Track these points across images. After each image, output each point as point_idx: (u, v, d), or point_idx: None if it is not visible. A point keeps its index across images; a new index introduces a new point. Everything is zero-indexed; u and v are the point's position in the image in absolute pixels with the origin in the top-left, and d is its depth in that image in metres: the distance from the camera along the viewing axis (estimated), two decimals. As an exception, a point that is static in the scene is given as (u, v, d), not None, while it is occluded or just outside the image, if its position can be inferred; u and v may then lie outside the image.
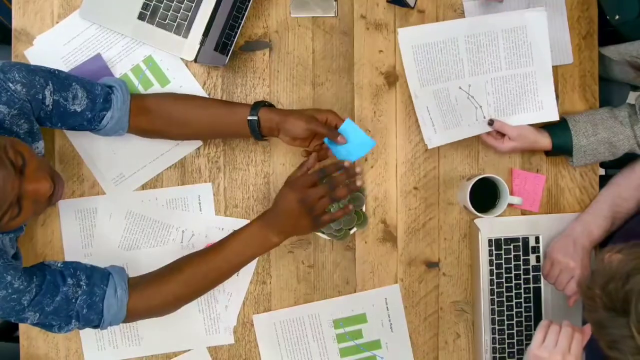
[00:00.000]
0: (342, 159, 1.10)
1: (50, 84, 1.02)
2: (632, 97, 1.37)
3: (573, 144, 1.18)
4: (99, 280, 1.03)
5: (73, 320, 1.01)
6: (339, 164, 1.04)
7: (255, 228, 1.05)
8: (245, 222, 1.21)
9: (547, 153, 1.24)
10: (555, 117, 1.21)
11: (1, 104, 0.96)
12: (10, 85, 0.97)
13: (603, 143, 1.18)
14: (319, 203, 1.02)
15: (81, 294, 1.00)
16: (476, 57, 1.20)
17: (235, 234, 1.06)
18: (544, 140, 1.19)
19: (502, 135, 1.20)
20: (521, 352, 1.22)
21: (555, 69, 1.25)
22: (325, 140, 1.10)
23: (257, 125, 1.09)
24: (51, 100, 1.02)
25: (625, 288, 0.84)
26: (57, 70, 1.06)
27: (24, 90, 0.98)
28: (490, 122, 1.20)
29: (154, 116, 1.12)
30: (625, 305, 0.84)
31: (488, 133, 1.21)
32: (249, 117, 1.09)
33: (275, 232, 1.04)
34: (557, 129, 1.20)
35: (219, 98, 1.24)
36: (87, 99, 1.06)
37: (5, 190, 0.88)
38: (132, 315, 1.05)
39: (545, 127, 1.21)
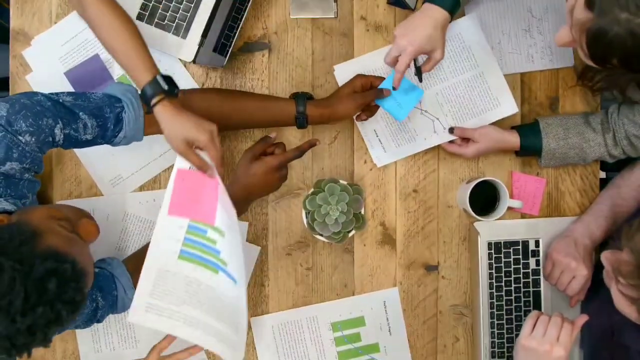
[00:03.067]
0: (394, 114, 1.14)
1: (60, 122, 0.95)
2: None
3: (543, 145, 1.18)
4: (108, 287, 1.07)
5: (92, 324, 1.08)
6: (307, 145, 1.12)
7: None
8: (243, 224, 1.22)
9: (517, 153, 1.23)
10: (514, 109, 1.21)
11: (13, 161, 0.92)
12: (21, 138, 0.91)
13: (573, 148, 1.17)
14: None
15: (100, 308, 1.05)
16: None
17: None
18: (512, 139, 1.18)
19: (468, 140, 1.20)
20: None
21: (556, 71, 1.25)
22: (378, 101, 1.15)
23: (305, 120, 1.13)
24: (62, 135, 0.96)
25: None
26: (61, 97, 0.99)
27: (33, 139, 0.92)
28: (451, 130, 1.20)
29: None
30: None
31: (452, 142, 1.21)
32: (298, 114, 1.12)
33: (246, 205, 1.14)
34: (528, 130, 1.19)
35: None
36: (97, 127, 1.00)
37: (90, 262, 0.89)
38: None
39: (516, 127, 1.21)
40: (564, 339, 1.02)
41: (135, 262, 1.10)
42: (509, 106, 1.22)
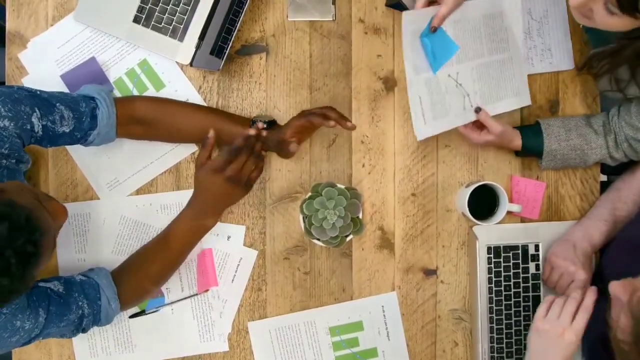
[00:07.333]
0: (430, 63, 1.14)
1: (37, 110, 0.97)
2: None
3: (544, 146, 1.17)
4: (94, 296, 1.06)
5: (78, 333, 1.07)
6: (239, 138, 1.03)
7: (188, 224, 1.08)
8: (240, 227, 1.22)
9: (517, 153, 1.22)
10: (528, 102, 1.20)
11: None
12: None
13: (574, 149, 1.16)
14: (244, 171, 1.04)
15: (86, 316, 1.05)
16: (462, 43, 1.16)
17: (171, 233, 1.09)
18: (518, 139, 1.17)
19: (480, 126, 1.17)
20: (520, 361, 1.20)
21: (556, 74, 1.24)
22: (422, 37, 1.12)
23: None
24: (40, 126, 0.98)
25: None
26: (38, 90, 1.02)
27: (11, 124, 0.93)
28: (478, 110, 1.16)
29: (145, 125, 1.12)
30: None
31: (465, 125, 1.17)
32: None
33: (209, 217, 1.08)
34: (529, 131, 1.18)
35: (215, 103, 1.22)
36: (74, 119, 1.02)
37: (49, 226, 0.84)
38: (122, 310, 1.12)
39: (518, 127, 1.19)
40: (577, 325, 0.99)
41: (122, 274, 1.11)
42: (524, 98, 1.20)
